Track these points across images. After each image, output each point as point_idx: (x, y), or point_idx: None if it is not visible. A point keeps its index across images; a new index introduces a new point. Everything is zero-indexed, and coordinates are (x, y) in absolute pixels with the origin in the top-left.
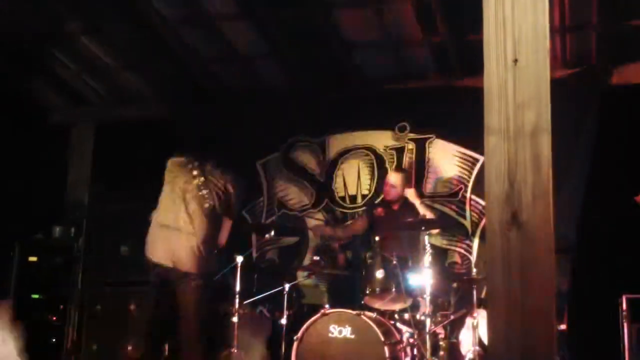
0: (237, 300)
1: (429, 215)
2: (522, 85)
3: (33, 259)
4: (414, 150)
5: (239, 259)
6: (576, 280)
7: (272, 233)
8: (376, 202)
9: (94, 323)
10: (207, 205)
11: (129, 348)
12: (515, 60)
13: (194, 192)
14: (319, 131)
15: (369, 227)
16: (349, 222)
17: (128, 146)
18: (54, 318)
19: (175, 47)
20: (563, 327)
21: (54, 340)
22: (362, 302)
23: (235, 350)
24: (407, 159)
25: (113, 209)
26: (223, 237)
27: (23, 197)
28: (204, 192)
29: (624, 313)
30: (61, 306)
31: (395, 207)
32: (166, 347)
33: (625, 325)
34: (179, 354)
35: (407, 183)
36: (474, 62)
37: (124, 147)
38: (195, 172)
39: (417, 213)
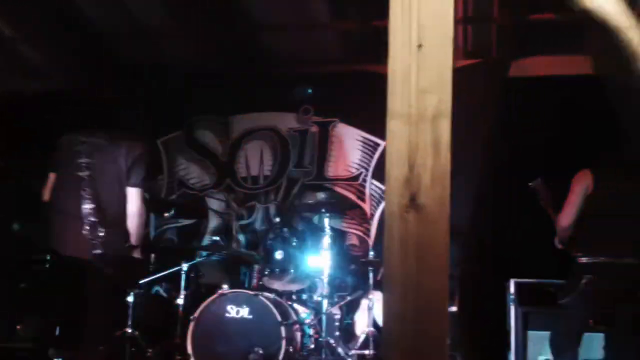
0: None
1: None
2: (425, 71)
3: None
4: (317, 134)
5: None
6: (467, 264)
7: (172, 212)
8: None
9: None
10: (107, 177)
11: (18, 327)
12: (420, 46)
13: (91, 168)
14: (223, 111)
15: None
16: None
17: (22, 120)
18: None
19: (77, 20)
20: (454, 308)
21: None
22: (261, 282)
23: (130, 331)
24: (310, 141)
25: (5, 184)
26: (133, 206)
27: None
28: (102, 163)
29: (511, 296)
30: None
31: None
32: (57, 328)
33: (512, 307)
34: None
35: None
36: (378, 48)
37: (18, 121)
38: (90, 148)
39: None
